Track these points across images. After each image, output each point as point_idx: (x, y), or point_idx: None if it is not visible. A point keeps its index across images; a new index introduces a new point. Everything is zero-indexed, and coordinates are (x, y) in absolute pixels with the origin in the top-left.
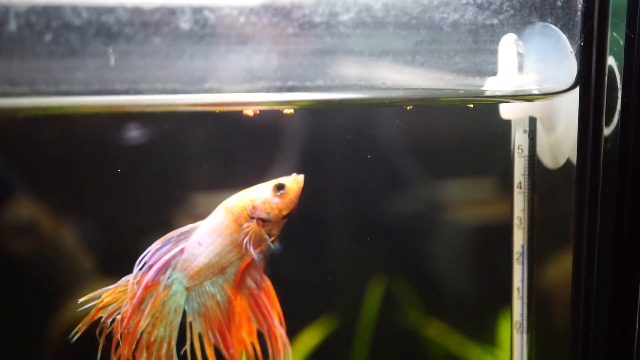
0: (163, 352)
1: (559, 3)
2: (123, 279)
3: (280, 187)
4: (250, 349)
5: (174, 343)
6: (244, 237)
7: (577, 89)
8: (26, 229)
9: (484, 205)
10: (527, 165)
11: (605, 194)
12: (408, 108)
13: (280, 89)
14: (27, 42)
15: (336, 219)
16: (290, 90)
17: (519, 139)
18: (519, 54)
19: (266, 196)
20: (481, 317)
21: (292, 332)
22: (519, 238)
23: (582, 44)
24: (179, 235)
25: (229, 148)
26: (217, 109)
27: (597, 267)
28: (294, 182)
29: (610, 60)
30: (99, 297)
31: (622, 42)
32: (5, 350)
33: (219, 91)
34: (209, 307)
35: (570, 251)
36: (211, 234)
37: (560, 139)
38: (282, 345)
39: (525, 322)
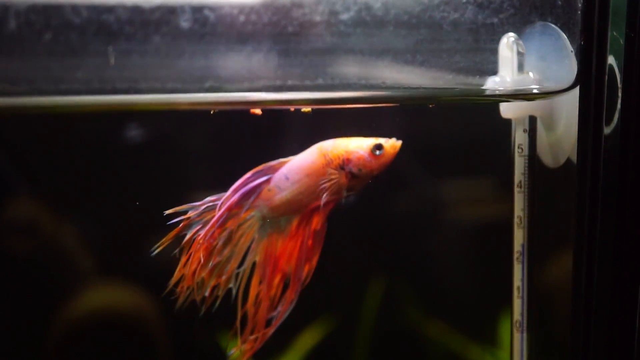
0: (224, 271)
1: (559, 2)
2: (211, 197)
3: (379, 148)
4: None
5: (236, 265)
6: (326, 183)
7: (577, 88)
8: (26, 229)
9: (484, 204)
10: (527, 165)
11: (605, 193)
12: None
13: (280, 88)
14: (27, 41)
15: (336, 218)
16: (290, 89)
17: (519, 138)
18: (519, 53)
19: (363, 153)
20: (481, 316)
21: (292, 331)
22: (519, 237)
23: (582, 43)
24: (270, 167)
25: (229, 147)
26: (212, 110)
27: (597, 266)
28: (392, 146)
29: (611, 60)
30: (184, 212)
31: (622, 41)
32: (5, 350)
33: (219, 90)
34: (272, 241)
35: (570, 250)
36: (300, 172)
37: (561, 138)
38: (289, 297)
39: (525, 321)
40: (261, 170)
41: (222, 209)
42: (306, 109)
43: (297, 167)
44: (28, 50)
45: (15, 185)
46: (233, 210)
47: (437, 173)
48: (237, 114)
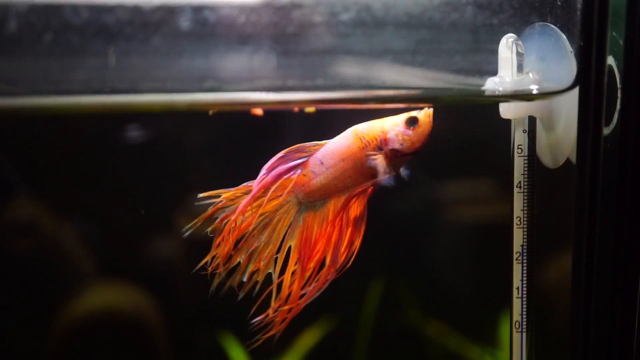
0: (263, 256)
1: (559, 3)
2: (244, 183)
3: (414, 121)
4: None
5: (274, 250)
6: (371, 165)
7: (577, 89)
8: (27, 229)
9: (483, 205)
10: (526, 165)
11: (605, 193)
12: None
13: (280, 89)
14: (27, 41)
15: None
16: (290, 90)
17: (519, 139)
18: (519, 54)
19: (399, 129)
20: (481, 317)
21: (293, 331)
22: (519, 238)
23: (581, 43)
24: (304, 150)
25: (231, 148)
26: (210, 111)
27: (597, 267)
28: (426, 114)
29: (610, 60)
30: (218, 196)
31: (621, 42)
32: (6, 350)
33: (219, 90)
34: (308, 225)
35: (569, 251)
36: (335, 156)
37: (560, 139)
38: (319, 283)
39: (524, 321)
40: (295, 151)
41: (256, 189)
42: (310, 109)
43: (332, 151)
44: (28, 51)
45: (15, 185)
46: (269, 195)
47: (437, 173)
48: (240, 115)
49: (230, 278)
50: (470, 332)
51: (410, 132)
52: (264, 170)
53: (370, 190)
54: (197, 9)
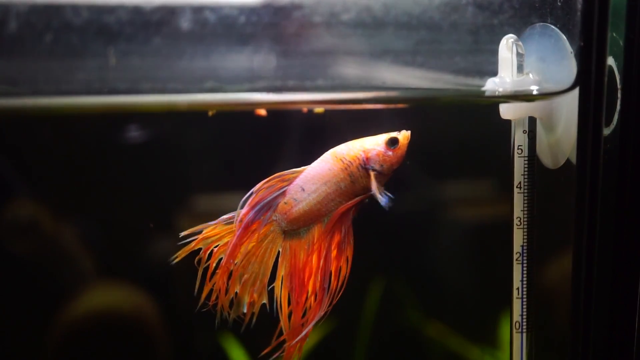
0: (255, 288)
1: (559, 3)
2: (225, 215)
3: (394, 142)
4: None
5: (266, 281)
6: (356, 186)
7: (577, 89)
8: (26, 229)
9: (483, 205)
10: (526, 166)
11: (605, 194)
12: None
13: (280, 89)
14: (27, 42)
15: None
16: (290, 90)
17: (519, 139)
18: (519, 54)
19: (380, 149)
20: (481, 317)
21: None
22: (519, 238)
23: (581, 44)
24: (283, 178)
25: (228, 148)
26: (210, 111)
27: (597, 267)
28: (405, 137)
29: (610, 61)
30: (199, 232)
31: (621, 43)
32: (6, 350)
33: (219, 91)
34: (295, 252)
35: (570, 251)
36: (316, 181)
37: (560, 139)
38: (315, 313)
39: (524, 322)
40: (274, 182)
41: (241, 227)
42: (319, 109)
43: (312, 176)
44: (29, 51)
45: (16, 185)
46: (251, 227)
47: (437, 174)
48: (240, 115)
49: (226, 310)
50: (470, 332)
51: (390, 152)
52: (244, 206)
53: (354, 211)
54: (197, 10)
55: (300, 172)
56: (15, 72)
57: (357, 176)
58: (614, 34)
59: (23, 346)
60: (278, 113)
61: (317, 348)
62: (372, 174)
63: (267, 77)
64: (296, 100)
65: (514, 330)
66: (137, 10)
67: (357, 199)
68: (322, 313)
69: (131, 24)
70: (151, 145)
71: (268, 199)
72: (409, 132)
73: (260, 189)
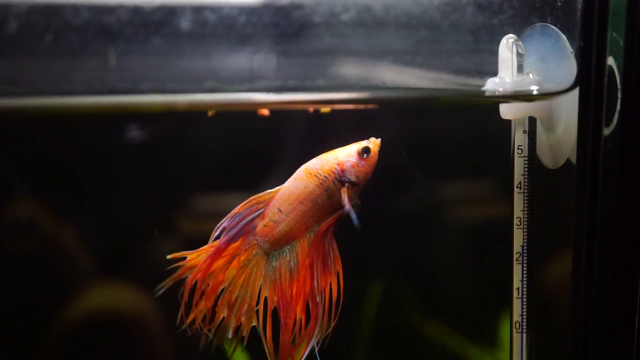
0: (243, 311)
1: (559, 3)
2: (207, 244)
3: (366, 151)
4: (300, 321)
5: (254, 304)
6: (334, 201)
7: (577, 89)
8: (26, 229)
9: (483, 205)
10: (526, 166)
11: (605, 194)
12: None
13: (280, 89)
14: (27, 42)
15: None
16: (290, 90)
17: (519, 139)
18: (519, 54)
19: (354, 160)
20: (481, 317)
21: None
22: (519, 238)
23: (582, 44)
24: (258, 202)
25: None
26: (210, 112)
27: (597, 267)
28: (375, 144)
29: (610, 61)
30: (183, 258)
31: (621, 42)
32: (6, 350)
33: (219, 91)
34: (281, 272)
35: (569, 251)
36: (292, 201)
37: (560, 139)
38: (312, 329)
39: (524, 322)
40: (250, 205)
41: (214, 250)
42: (325, 109)
43: (287, 196)
44: (29, 51)
45: (16, 185)
46: (231, 252)
47: (437, 174)
48: (241, 115)
49: (215, 335)
50: (470, 332)
51: (363, 162)
52: (220, 231)
53: (334, 224)
54: (197, 10)
55: (275, 192)
56: (15, 72)
57: (333, 190)
58: (614, 34)
59: (23, 346)
60: (278, 113)
61: (318, 349)
62: (344, 188)
63: (267, 77)
64: (296, 100)
65: (514, 330)
66: (137, 10)
67: (335, 216)
68: (321, 329)
69: (131, 24)
70: (151, 145)
71: (244, 221)
72: (379, 139)
73: (236, 213)
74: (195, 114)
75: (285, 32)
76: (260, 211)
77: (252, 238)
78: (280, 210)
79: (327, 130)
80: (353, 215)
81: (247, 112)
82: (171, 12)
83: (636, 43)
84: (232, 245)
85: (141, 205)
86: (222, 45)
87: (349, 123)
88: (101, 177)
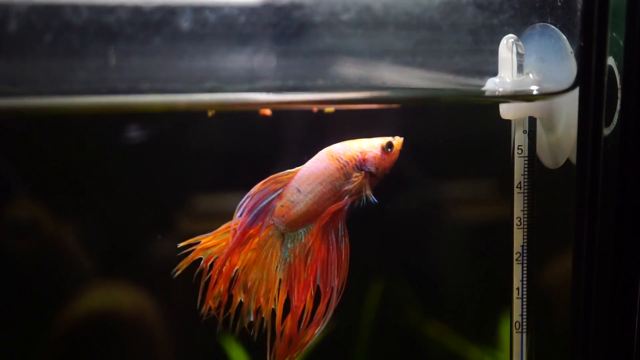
0: (261, 293)
1: (559, 3)
2: (223, 225)
3: (390, 145)
4: (308, 305)
5: (270, 286)
6: (350, 186)
7: (577, 89)
8: (26, 229)
9: (483, 205)
10: (526, 166)
11: (605, 194)
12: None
13: (280, 89)
14: (27, 42)
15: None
16: (290, 90)
17: (519, 139)
18: (519, 54)
19: (377, 152)
20: (481, 317)
21: None
22: (519, 238)
23: (581, 44)
24: (277, 180)
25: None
26: (210, 112)
27: (597, 267)
28: (398, 143)
29: (610, 61)
30: (198, 243)
31: (621, 42)
32: (6, 350)
33: (219, 91)
34: (295, 254)
35: (570, 251)
36: (311, 181)
37: (560, 139)
38: (320, 315)
39: (524, 322)
40: (268, 184)
41: (237, 234)
42: (329, 109)
43: (307, 176)
44: (29, 51)
45: (16, 185)
46: (249, 233)
47: (437, 174)
48: (242, 115)
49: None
50: (470, 332)
51: (385, 156)
52: (240, 211)
53: (347, 210)
54: (198, 10)
55: (295, 172)
56: (15, 72)
57: (357, 176)
58: (614, 34)
59: (23, 346)
60: (278, 113)
61: (317, 348)
62: (361, 175)
63: (267, 77)
64: (296, 100)
65: (514, 330)
66: (137, 10)
67: (350, 199)
68: (327, 317)
69: (131, 24)
70: (151, 145)
71: (264, 202)
72: (402, 138)
73: (256, 193)
74: (195, 114)
75: (285, 32)
76: (278, 191)
77: (269, 219)
78: (299, 191)
79: (326, 130)
80: (371, 199)
81: (248, 112)
82: (171, 12)
83: (636, 43)
84: (253, 227)
85: (141, 205)
86: (222, 45)
87: (349, 123)
88: (101, 177)
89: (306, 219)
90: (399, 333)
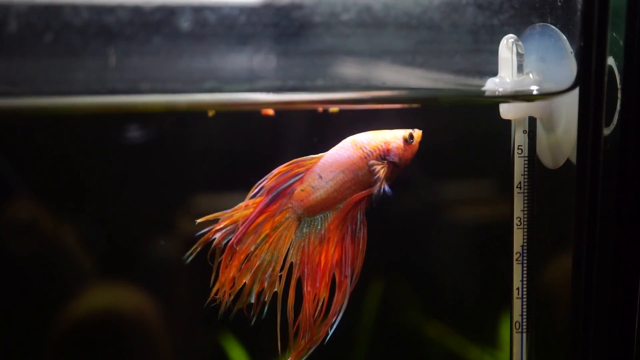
0: (267, 276)
1: (559, 3)
2: (242, 203)
3: (411, 137)
4: (321, 293)
5: (278, 268)
6: (374, 176)
7: (577, 89)
8: (26, 229)
9: (483, 205)
10: (526, 166)
11: (605, 194)
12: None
13: (280, 89)
14: (27, 42)
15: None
16: (290, 90)
17: (519, 139)
18: (519, 54)
19: (400, 142)
20: (481, 317)
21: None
22: (519, 238)
23: (582, 44)
24: (299, 164)
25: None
26: (210, 112)
27: (597, 267)
28: (418, 135)
29: (610, 61)
30: (215, 221)
31: (621, 42)
32: (6, 350)
33: (219, 91)
34: (310, 240)
35: (569, 251)
36: (334, 169)
37: (560, 139)
38: (338, 303)
39: (524, 322)
40: (290, 167)
41: (256, 211)
42: (334, 109)
43: (330, 164)
44: (29, 51)
45: (15, 185)
46: (267, 213)
47: (437, 174)
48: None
49: (237, 300)
50: (470, 332)
51: (407, 147)
52: (261, 190)
53: (368, 200)
54: (197, 10)
55: (318, 158)
56: (15, 72)
57: (381, 165)
58: (614, 34)
59: (23, 346)
60: (278, 113)
61: (317, 348)
62: (384, 165)
63: (267, 77)
64: (296, 100)
65: (514, 330)
66: (137, 10)
67: (371, 189)
68: (342, 306)
69: (131, 24)
70: (151, 145)
71: (284, 185)
72: (420, 130)
73: (277, 174)
74: (195, 114)
75: (285, 32)
76: (299, 175)
77: (287, 201)
78: (320, 177)
79: (327, 130)
80: (385, 190)
81: (248, 112)
82: (171, 12)
83: (636, 43)
84: (270, 207)
85: (141, 205)
86: (222, 45)
87: (349, 123)
88: (101, 177)
89: (324, 205)
90: (399, 333)
